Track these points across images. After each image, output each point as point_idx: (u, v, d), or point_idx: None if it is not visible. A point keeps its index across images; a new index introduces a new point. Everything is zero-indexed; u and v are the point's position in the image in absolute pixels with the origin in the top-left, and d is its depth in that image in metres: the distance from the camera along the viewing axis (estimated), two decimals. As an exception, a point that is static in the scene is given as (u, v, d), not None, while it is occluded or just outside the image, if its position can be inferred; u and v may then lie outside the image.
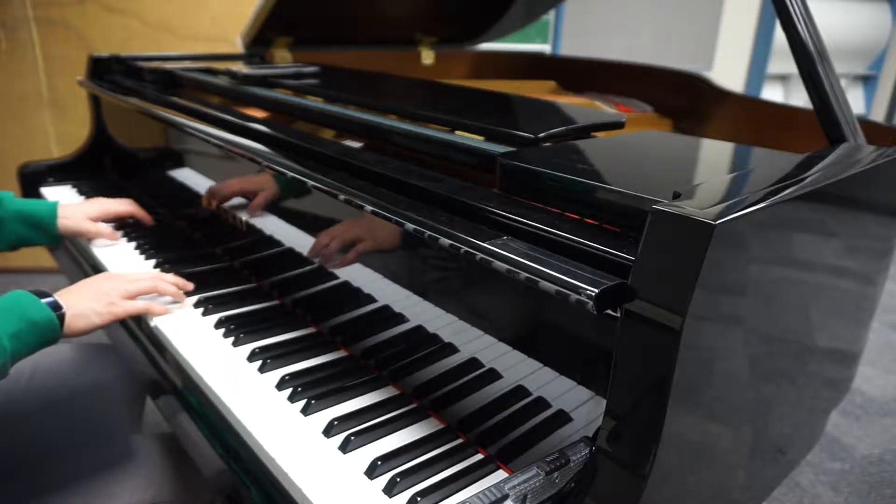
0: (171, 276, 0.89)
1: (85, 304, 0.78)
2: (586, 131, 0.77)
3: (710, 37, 3.51)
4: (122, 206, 1.12)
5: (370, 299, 0.76)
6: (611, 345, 0.48)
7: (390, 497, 0.55)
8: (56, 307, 0.74)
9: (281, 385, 0.70)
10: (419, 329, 0.71)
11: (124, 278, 0.85)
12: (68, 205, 1.06)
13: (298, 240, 0.86)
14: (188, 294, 0.89)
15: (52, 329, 0.73)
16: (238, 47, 1.49)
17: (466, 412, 0.64)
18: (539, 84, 1.62)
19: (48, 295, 0.75)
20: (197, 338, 0.80)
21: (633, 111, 1.39)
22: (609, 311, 0.48)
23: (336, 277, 0.80)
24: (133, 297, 0.83)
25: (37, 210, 1.02)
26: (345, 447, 0.61)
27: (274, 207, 0.90)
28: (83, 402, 0.95)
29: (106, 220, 1.11)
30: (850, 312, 0.82)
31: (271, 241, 0.91)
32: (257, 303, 0.89)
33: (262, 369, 0.73)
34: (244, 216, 0.96)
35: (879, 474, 1.60)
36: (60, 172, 1.45)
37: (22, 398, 0.91)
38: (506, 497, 0.47)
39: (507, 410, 0.62)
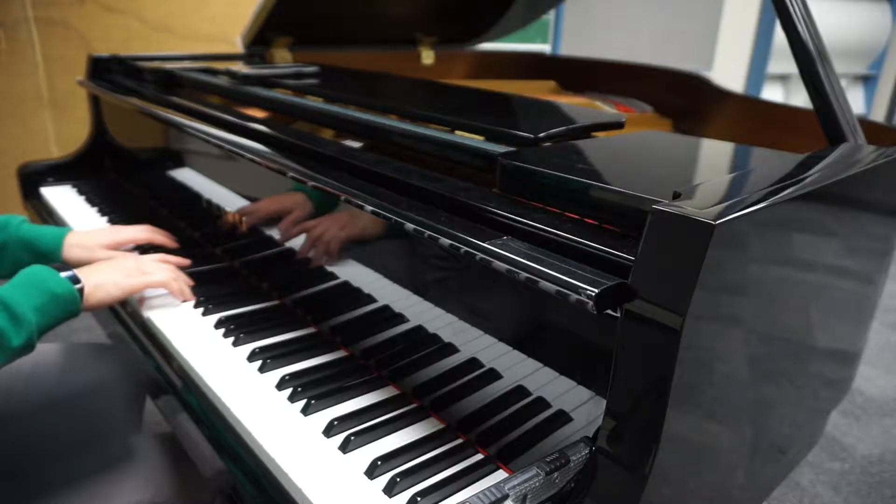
0: (184, 278, 0.90)
1: (103, 276, 0.80)
2: (586, 131, 0.77)
3: (710, 37, 3.51)
4: (140, 233, 1.02)
5: (370, 299, 0.76)
6: (611, 345, 0.48)
7: (390, 497, 0.55)
8: (75, 280, 0.76)
9: (281, 385, 0.70)
10: (419, 329, 0.71)
11: (143, 259, 0.87)
12: (80, 232, 0.97)
13: (298, 240, 0.86)
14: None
15: (73, 301, 0.75)
16: (238, 47, 1.49)
17: (466, 412, 0.64)
18: (539, 84, 1.62)
19: (66, 269, 0.77)
20: (197, 338, 0.80)
21: (633, 111, 1.39)
22: (609, 311, 0.48)
23: (336, 277, 0.80)
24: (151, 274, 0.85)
25: (41, 238, 0.94)
26: (345, 447, 0.61)
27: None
28: (83, 402, 0.95)
29: (120, 248, 1.00)
30: (850, 312, 0.82)
31: (271, 242, 0.91)
32: (257, 303, 0.89)
33: (262, 369, 0.73)
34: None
35: (879, 474, 1.60)
36: (60, 172, 1.44)
37: (22, 398, 0.91)
38: (506, 497, 0.47)
39: (507, 410, 0.62)
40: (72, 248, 0.94)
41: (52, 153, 2.34)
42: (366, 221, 0.73)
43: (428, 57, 1.70)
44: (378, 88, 1.15)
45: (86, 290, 0.77)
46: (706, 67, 3.51)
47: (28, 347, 0.69)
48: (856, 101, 4.19)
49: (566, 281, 0.48)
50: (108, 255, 0.95)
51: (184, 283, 0.89)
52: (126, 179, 1.45)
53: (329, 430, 0.63)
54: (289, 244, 0.88)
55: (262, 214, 0.92)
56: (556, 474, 0.49)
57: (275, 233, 0.91)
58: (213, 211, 1.05)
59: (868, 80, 4.21)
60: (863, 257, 0.78)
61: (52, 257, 0.94)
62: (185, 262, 0.95)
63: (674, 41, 3.53)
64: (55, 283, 0.73)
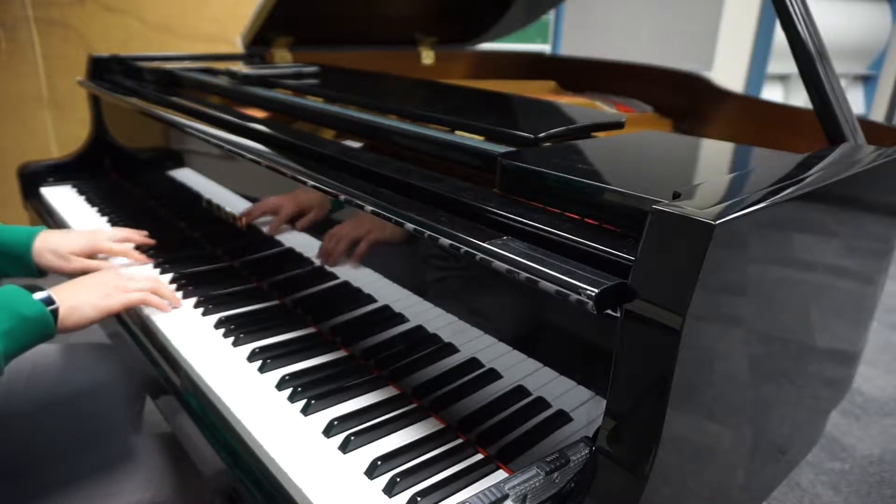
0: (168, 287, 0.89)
1: (80, 297, 0.77)
2: (586, 131, 0.77)
3: (710, 37, 3.52)
4: (117, 246, 0.98)
5: (370, 299, 0.76)
6: (611, 345, 0.48)
7: (390, 497, 0.55)
8: (49, 302, 0.73)
9: (281, 385, 0.70)
10: (419, 329, 0.71)
11: (123, 275, 0.85)
12: (54, 235, 0.92)
13: (298, 240, 0.86)
14: (186, 297, 0.89)
15: (46, 324, 0.71)
16: (238, 47, 1.49)
17: (466, 412, 0.64)
18: (539, 84, 1.62)
19: (41, 289, 0.74)
20: (197, 338, 0.80)
21: (633, 111, 1.39)
22: (609, 311, 0.48)
23: (336, 277, 0.80)
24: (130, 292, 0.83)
25: (9, 239, 0.90)
26: (345, 447, 0.61)
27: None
28: (83, 402, 0.95)
29: (95, 255, 0.97)
30: (850, 312, 0.82)
31: (271, 241, 0.91)
32: (257, 303, 0.89)
33: (262, 369, 0.73)
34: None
35: (879, 474, 1.60)
36: (60, 172, 1.44)
37: (22, 398, 0.91)
38: (506, 497, 0.47)
39: (507, 410, 0.62)
40: (44, 252, 0.90)
41: (52, 153, 2.34)
42: (392, 228, 0.71)
43: (428, 57, 1.70)
44: (378, 88, 1.15)
45: (61, 313, 0.73)
46: (706, 67, 3.51)
47: None
48: (856, 101, 4.19)
49: (566, 281, 0.48)
50: (83, 264, 0.92)
51: (168, 292, 0.87)
52: (126, 179, 1.45)
53: (329, 430, 0.63)
54: (292, 245, 0.88)
55: (283, 215, 0.89)
56: (556, 474, 0.49)
57: (276, 233, 0.91)
58: (213, 211, 1.05)
59: (868, 80, 4.22)
60: (863, 257, 0.78)
61: (22, 259, 0.89)
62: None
63: (674, 41, 3.53)
64: (26, 307, 0.69)
